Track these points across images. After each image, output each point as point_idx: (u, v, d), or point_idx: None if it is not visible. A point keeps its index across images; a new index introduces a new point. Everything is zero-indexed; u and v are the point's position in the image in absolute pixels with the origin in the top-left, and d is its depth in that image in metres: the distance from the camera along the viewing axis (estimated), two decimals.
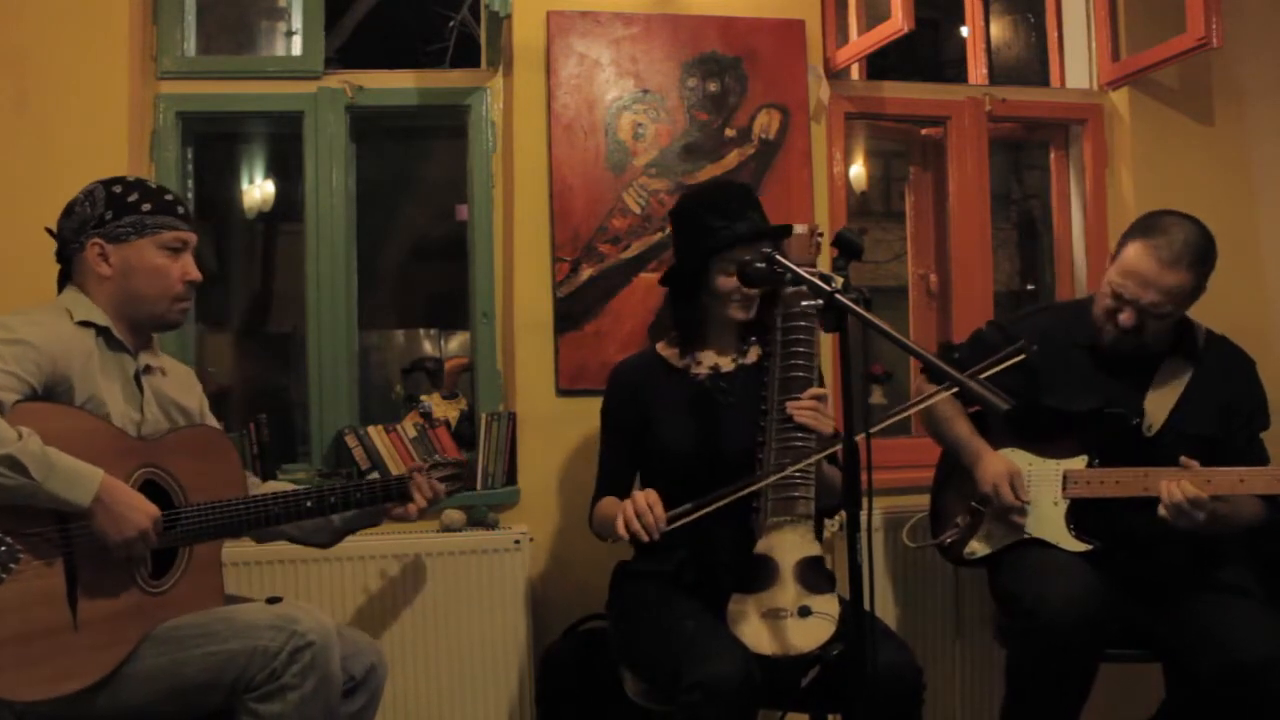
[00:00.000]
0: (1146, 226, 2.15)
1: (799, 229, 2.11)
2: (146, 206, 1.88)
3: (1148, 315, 2.12)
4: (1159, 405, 2.21)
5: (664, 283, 2.26)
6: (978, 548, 2.29)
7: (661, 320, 2.61)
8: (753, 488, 1.98)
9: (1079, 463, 2.22)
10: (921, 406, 2.13)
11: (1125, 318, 2.14)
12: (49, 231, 1.93)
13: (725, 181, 2.43)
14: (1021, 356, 1.92)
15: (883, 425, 1.95)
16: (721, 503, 1.95)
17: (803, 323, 2.06)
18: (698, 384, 2.19)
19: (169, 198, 1.93)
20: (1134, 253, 2.13)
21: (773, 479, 1.98)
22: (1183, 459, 2.06)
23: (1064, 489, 2.22)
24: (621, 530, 1.91)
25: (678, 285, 2.21)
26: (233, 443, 2.01)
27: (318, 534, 2.10)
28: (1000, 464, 2.24)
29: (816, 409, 1.99)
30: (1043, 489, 2.24)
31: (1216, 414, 2.20)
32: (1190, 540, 2.13)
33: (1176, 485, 2.02)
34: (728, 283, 2.10)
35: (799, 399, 2.00)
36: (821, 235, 2.14)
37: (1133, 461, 2.14)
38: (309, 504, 1.93)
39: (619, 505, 2.06)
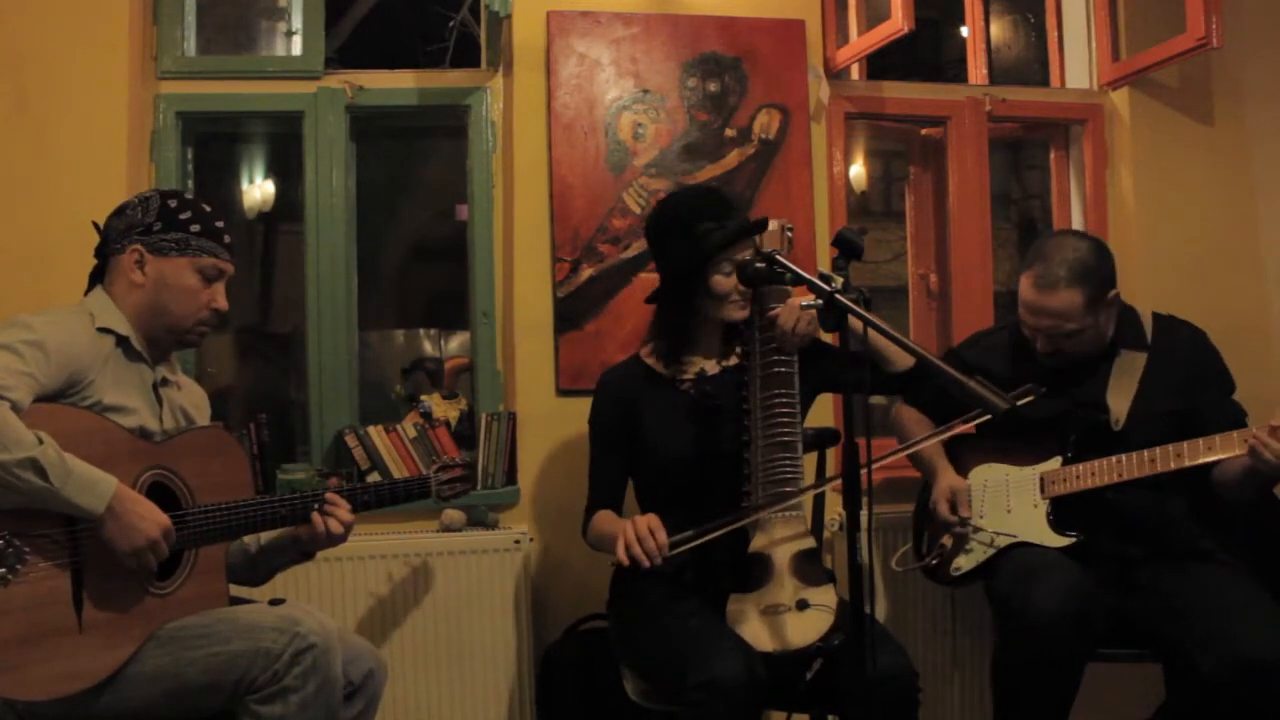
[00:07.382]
0: (1031, 256, 2.21)
1: (772, 224, 2.12)
2: (196, 228, 1.89)
3: (1057, 337, 2.18)
4: (1121, 398, 2.25)
5: (653, 299, 2.22)
6: (963, 563, 2.31)
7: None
8: (753, 517, 1.98)
9: (1054, 464, 2.26)
10: (944, 437, 2.14)
11: (1041, 345, 2.21)
12: (95, 226, 1.93)
13: (700, 187, 2.38)
14: (1030, 399, 1.89)
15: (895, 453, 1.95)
16: (724, 530, 1.96)
17: None
18: (685, 390, 2.19)
19: (219, 225, 1.93)
20: (1022, 285, 2.20)
21: (772, 509, 1.98)
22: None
23: (1042, 491, 2.25)
24: (622, 556, 1.92)
25: (671, 295, 2.17)
26: (241, 444, 2.00)
27: (245, 571, 2.02)
28: (945, 481, 2.30)
29: (794, 310, 2.01)
30: (1022, 494, 2.28)
31: (1179, 391, 2.23)
32: (1174, 515, 2.20)
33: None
34: (726, 283, 2.10)
35: (777, 308, 2.03)
36: (792, 229, 2.15)
37: (1104, 455, 2.18)
38: (320, 506, 1.92)
39: (617, 522, 2.07)
